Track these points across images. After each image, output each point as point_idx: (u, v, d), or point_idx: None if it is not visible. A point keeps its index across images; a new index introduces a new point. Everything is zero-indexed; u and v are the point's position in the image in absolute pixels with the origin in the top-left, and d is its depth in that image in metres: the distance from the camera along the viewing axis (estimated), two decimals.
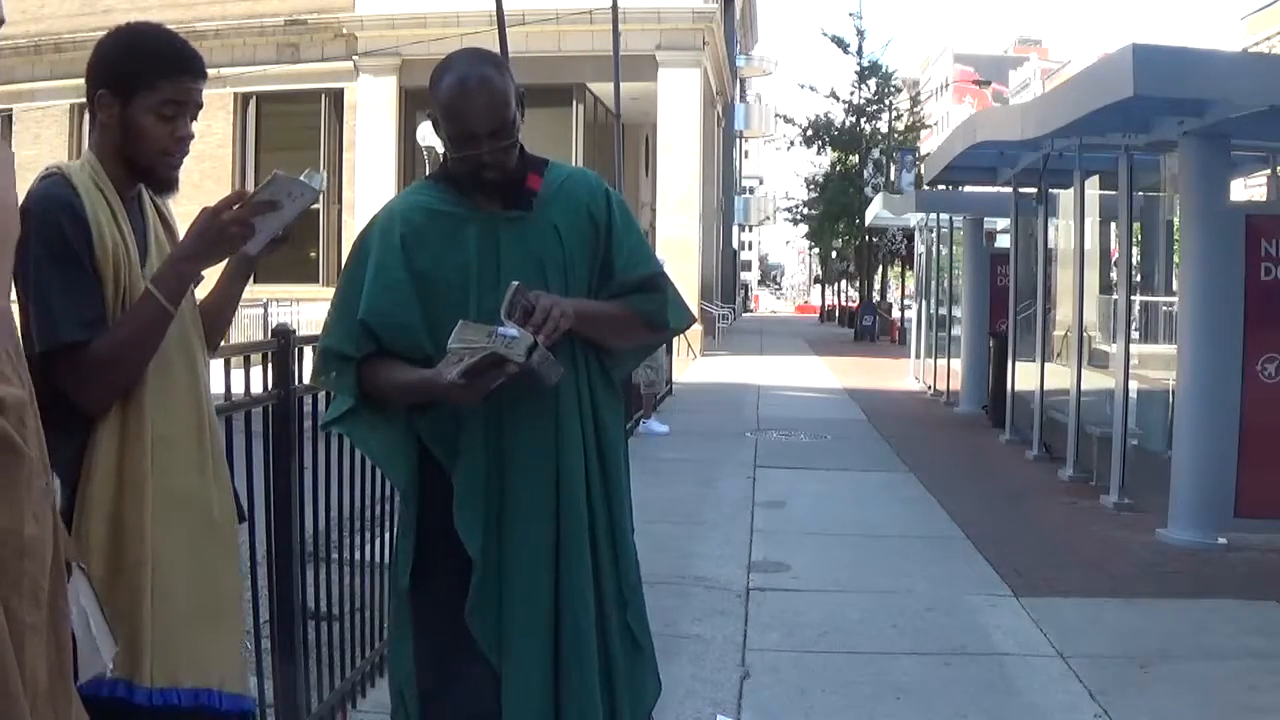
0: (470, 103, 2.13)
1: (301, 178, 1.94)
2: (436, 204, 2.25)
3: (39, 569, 1.38)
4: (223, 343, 2.36)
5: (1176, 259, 8.30)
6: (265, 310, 17.45)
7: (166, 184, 2.04)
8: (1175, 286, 7.94)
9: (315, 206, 23.21)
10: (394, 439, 2.25)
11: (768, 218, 58.27)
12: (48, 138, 22.75)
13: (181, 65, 1.97)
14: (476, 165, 2.17)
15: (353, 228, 19.83)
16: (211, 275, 2.12)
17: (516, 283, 2.09)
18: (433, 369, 2.09)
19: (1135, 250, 9.64)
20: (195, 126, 2.03)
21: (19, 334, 1.51)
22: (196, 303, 2.12)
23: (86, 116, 2.04)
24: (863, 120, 36.50)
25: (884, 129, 37.15)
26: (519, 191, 2.25)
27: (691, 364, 19.42)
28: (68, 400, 1.86)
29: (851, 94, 36.38)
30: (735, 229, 48.10)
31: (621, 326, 2.32)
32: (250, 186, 1.98)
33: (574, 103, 22.00)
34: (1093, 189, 8.95)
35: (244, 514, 2.34)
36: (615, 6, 13.04)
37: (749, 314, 60.91)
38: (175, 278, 1.93)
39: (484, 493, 2.19)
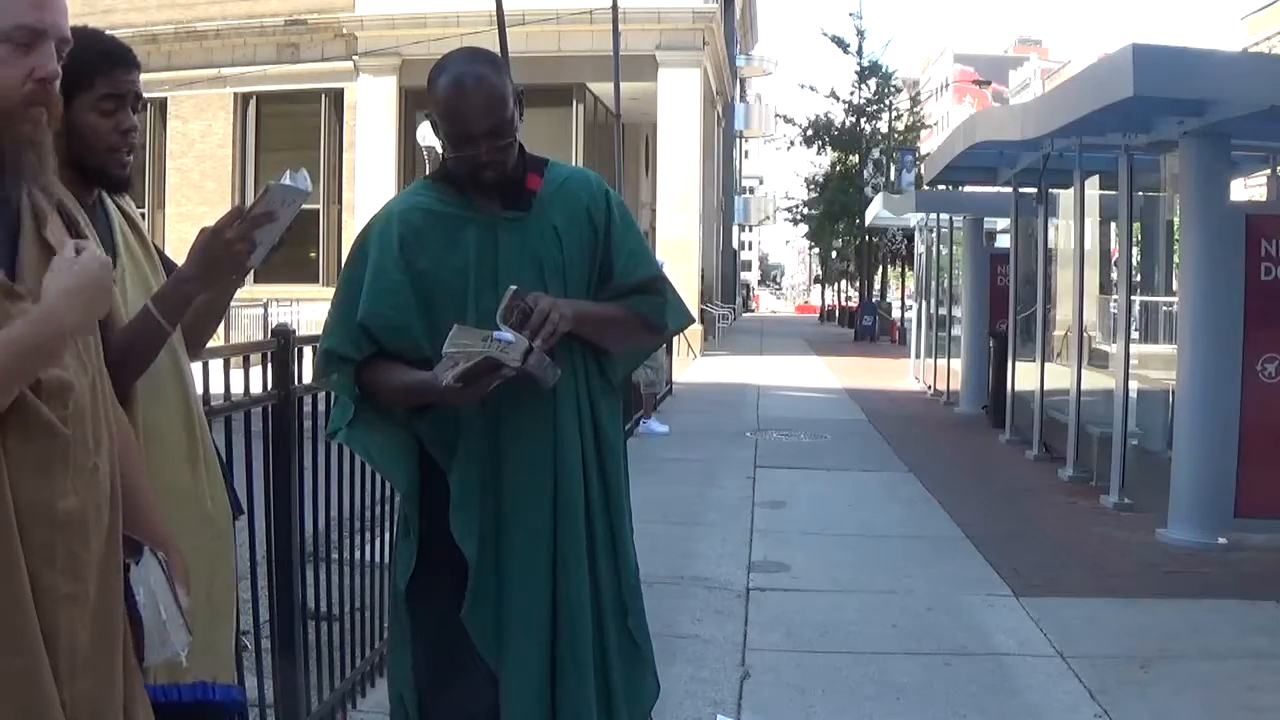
0: (468, 102, 2.13)
1: (286, 181, 1.94)
2: (435, 204, 2.25)
3: (79, 543, 1.45)
4: (222, 342, 2.36)
5: (1176, 259, 8.30)
6: (265, 310, 17.45)
7: (119, 182, 2.05)
8: (1175, 286, 7.94)
9: (315, 207, 23.34)
10: (395, 444, 2.25)
11: (768, 218, 58.27)
12: None
13: (113, 58, 2.00)
14: (475, 165, 2.17)
15: (353, 228, 19.83)
16: None
17: (514, 287, 2.08)
18: (429, 372, 2.09)
19: (1135, 250, 9.63)
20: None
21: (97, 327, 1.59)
22: None
23: None
24: (863, 120, 36.51)
25: (884, 129, 37.16)
26: (518, 192, 2.25)
27: (691, 364, 19.42)
28: None
29: (851, 94, 36.43)
30: (735, 229, 48.08)
31: (620, 328, 2.31)
32: (250, 186, 1.98)
33: (574, 103, 22.00)
34: (1093, 189, 8.94)
35: (241, 508, 2.34)
36: (615, 6, 13.06)
37: (749, 314, 60.87)
38: (177, 297, 1.94)
39: (480, 495, 2.19)
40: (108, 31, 2.08)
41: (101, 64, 1.98)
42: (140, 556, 1.64)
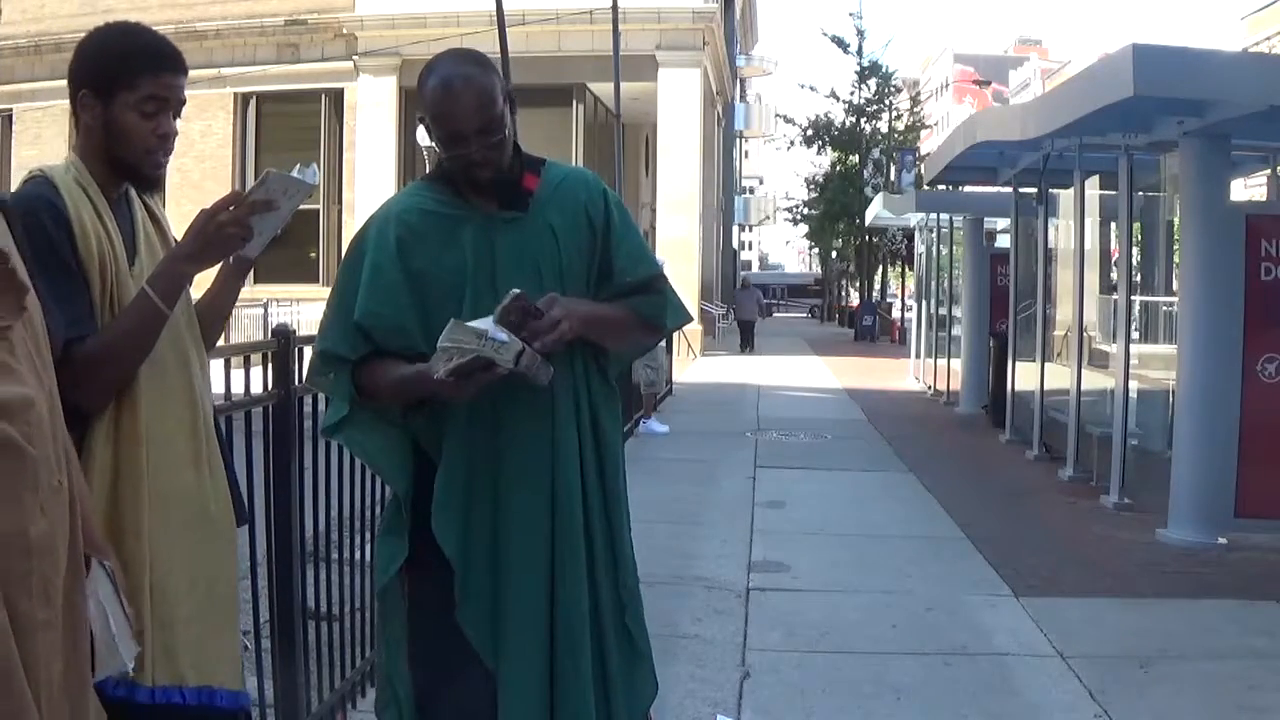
0: (456, 102, 2.14)
1: (294, 173, 1.94)
2: (432, 205, 2.25)
3: (50, 567, 1.38)
4: (222, 342, 2.35)
5: (1176, 259, 8.30)
6: (265, 310, 17.46)
7: (151, 182, 2.04)
8: (1175, 286, 7.94)
9: (315, 207, 23.34)
10: (390, 443, 2.24)
11: (768, 218, 58.20)
12: (48, 138, 22.73)
13: (162, 62, 1.97)
14: (469, 164, 2.17)
15: (352, 228, 19.74)
16: (209, 274, 2.12)
17: (517, 290, 2.07)
18: (424, 364, 2.09)
19: (1135, 250, 9.64)
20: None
21: (45, 334, 1.52)
22: (191, 301, 2.11)
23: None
24: (863, 120, 36.51)
25: (884, 129, 37.16)
26: (515, 192, 2.25)
27: (691, 364, 19.42)
28: (63, 400, 1.85)
29: (851, 94, 36.44)
30: (735, 229, 48.04)
31: (622, 329, 2.31)
32: (250, 187, 1.98)
33: (574, 103, 22.00)
34: (1093, 189, 8.95)
35: (244, 516, 2.32)
36: (615, 6, 13.08)
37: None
38: (171, 278, 1.93)
39: (466, 493, 2.18)
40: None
41: (149, 65, 1.95)
42: (89, 569, 1.58)
